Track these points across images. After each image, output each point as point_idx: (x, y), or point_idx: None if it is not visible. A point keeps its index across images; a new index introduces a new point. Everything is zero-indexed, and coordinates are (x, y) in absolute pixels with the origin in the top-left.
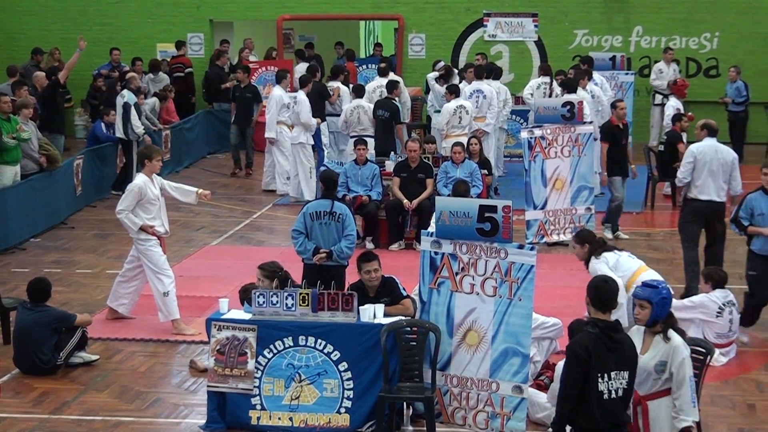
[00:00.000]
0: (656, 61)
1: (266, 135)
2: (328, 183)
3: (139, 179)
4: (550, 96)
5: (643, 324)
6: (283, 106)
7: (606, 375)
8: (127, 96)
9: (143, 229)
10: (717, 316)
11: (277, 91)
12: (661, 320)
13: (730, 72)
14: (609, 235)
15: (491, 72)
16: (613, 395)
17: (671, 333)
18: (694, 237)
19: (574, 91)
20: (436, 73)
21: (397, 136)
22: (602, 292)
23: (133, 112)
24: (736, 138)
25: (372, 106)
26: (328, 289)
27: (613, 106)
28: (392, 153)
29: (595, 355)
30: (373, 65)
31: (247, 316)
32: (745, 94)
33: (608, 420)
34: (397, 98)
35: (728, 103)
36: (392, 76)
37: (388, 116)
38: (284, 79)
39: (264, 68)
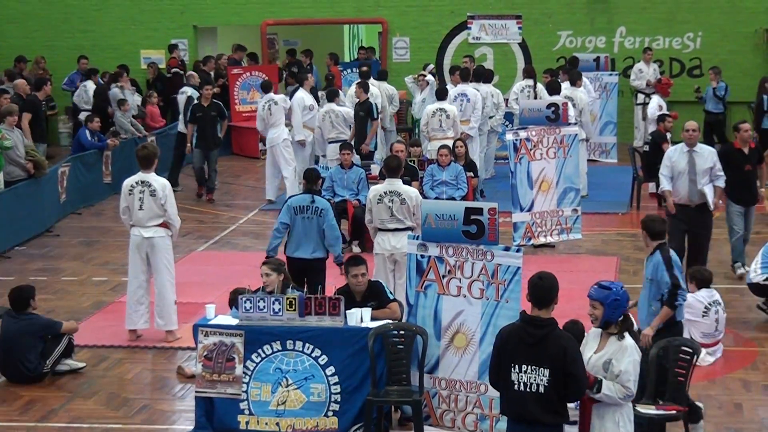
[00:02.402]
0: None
1: (297, 138)
2: (309, 177)
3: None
4: (536, 97)
5: (596, 325)
6: (305, 108)
7: (518, 366)
8: (190, 92)
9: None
10: (703, 316)
11: (300, 94)
12: (614, 322)
13: (710, 74)
14: (742, 271)
15: (481, 75)
16: (526, 389)
17: (626, 335)
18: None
19: (558, 92)
20: (411, 77)
21: (401, 134)
22: (538, 289)
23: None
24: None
25: (347, 109)
26: (311, 281)
27: (736, 129)
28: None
29: (507, 344)
30: (356, 69)
31: (234, 322)
32: (723, 95)
33: (514, 411)
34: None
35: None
36: (373, 81)
37: (363, 115)
38: (306, 80)
39: (249, 73)
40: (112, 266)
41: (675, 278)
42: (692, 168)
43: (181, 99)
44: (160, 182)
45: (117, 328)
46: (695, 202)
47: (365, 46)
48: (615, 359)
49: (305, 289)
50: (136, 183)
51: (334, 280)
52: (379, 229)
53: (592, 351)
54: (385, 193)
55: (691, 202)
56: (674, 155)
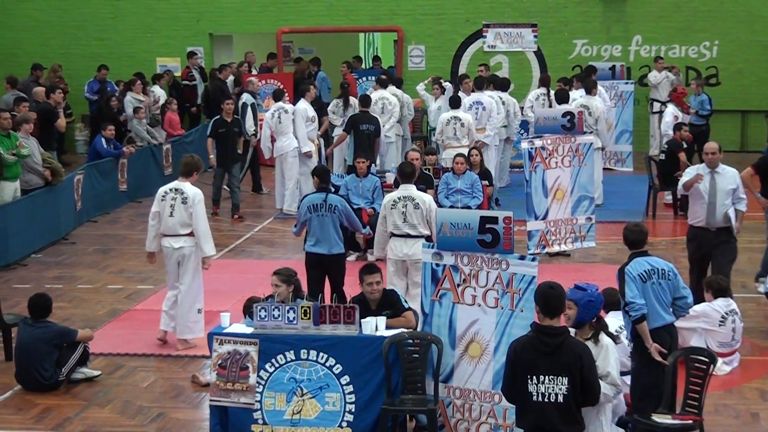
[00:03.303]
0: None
1: (303, 150)
2: (321, 176)
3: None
4: (550, 105)
5: (570, 325)
6: (307, 120)
7: (535, 377)
8: (245, 98)
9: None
10: (720, 325)
11: (302, 105)
12: (587, 323)
13: (692, 85)
14: (761, 289)
15: (496, 83)
16: (544, 399)
17: (601, 335)
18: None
19: (566, 101)
20: (423, 85)
21: (416, 142)
22: (549, 298)
23: (249, 112)
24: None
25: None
26: (331, 276)
27: None
28: (372, 165)
29: (522, 356)
30: (373, 77)
31: (249, 330)
32: (709, 108)
33: (533, 422)
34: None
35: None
36: (392, 89)
37: (373, 129)
38: (308, 91)
39: (263, 82)
40: (128, 274)
41: (622, 293)
42: (713, 190)
43: (239, 104)
44: (192, 191)
45: (132, 336)
46: (714, 225)
47: (378, 55)
48: (599, 362)
49: (323, 288)
50: (170, 190)
51: (350, 290)
52: (393, 235)
53: None
54: (399, 198)
55: (710, 225)
56: (695, 173)
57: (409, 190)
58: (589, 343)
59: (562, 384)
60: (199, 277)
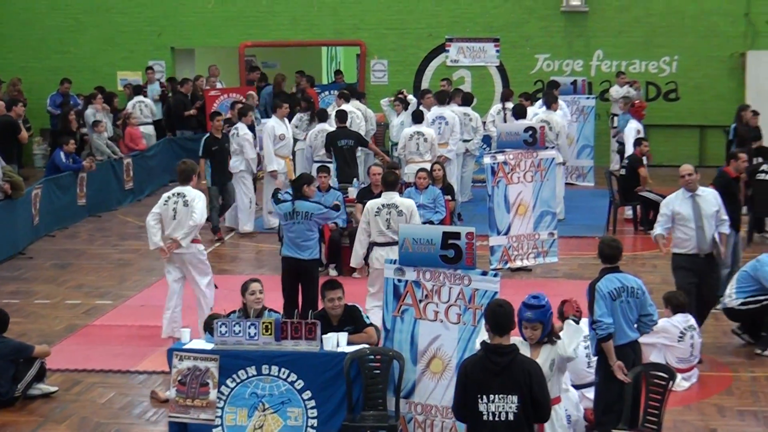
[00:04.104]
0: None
1: (269, 169)
2: (294, 185)
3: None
4: (504, 120)
5: (533, 342)
6: (275, 138)
7: (486, 396)
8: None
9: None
10: (678, 341)
11: (271, 122)
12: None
13: (620, 104)
14: (719, 306)
15: (457, 98)
16: (495, 418)
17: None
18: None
19: (524, 117)
20: (387, 100)
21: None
22: (498, 316)
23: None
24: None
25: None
26: (304, 282)
27: (735, 156)
28: (355, 180)
29: (472, 376)
30: (335, 91)
31: (209, 346)
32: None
33: None
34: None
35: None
36: (355, 102)
37: (352, 143)
38: (279, 108)
39: (227, 95)
40: (86, 289)
41: (591, 309)
42: (698, 214)
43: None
44: (194, 193)
45: (90, 352)
46: (705, 250)
47: (340, 69)
48: (559, 353)
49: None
50: (173, 194)
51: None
52: (377, 244)
53: None
54: (383, 206)
55: (701, 251)
56: (675, 203)
57: (393, 197)
58: (546, 347)
59: (512, 402)
60: (209, 277)
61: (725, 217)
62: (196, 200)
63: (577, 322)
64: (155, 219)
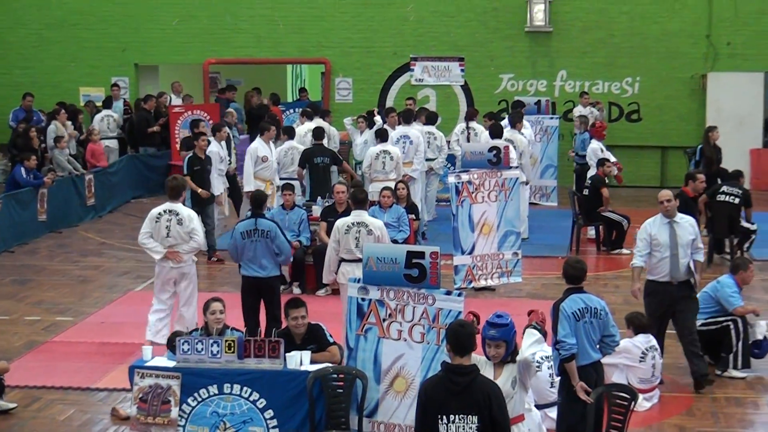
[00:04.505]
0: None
1: (245, 189)
2: (255, 202)
3: None
4: (468, 140)
5: (497, 360)
6: (258, 160)
7: (446, 417)
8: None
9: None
10: (640, 361)
11: (255, 144)
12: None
13: (576, 122)
14: None
15: (421, 116)
16: None
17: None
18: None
19: (500, 137)
20: (350, 119)
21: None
22: (460, 336)
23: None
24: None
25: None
26: (266, 299)
27: (693, 177)
28: (319, 198)
29: (432, 396)
30: (299, 109)
31: (171, 364)
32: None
33: None
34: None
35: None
36: (317, 120)
37: (328, 161)
38: (266, 131)
39: (190, 112)
40: (46, 305)
41: (554, 330)
42: (674, 241)
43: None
44: (186, 211)
45: (50, 369)
46: (678, 278)
47: (305, 87)
48: (520, 367)
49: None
50: (164, 211)
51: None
52: (344, 260)
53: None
54: (353, 224)
55: (673, 279)
56: (653, 228)
57: (362, 216)
58: (508, 366)
59: (472, 423)
60: (197, 294)
61: (701, 245)
62: (194, 221)
63: (540, 330)
64: (148, 237)
